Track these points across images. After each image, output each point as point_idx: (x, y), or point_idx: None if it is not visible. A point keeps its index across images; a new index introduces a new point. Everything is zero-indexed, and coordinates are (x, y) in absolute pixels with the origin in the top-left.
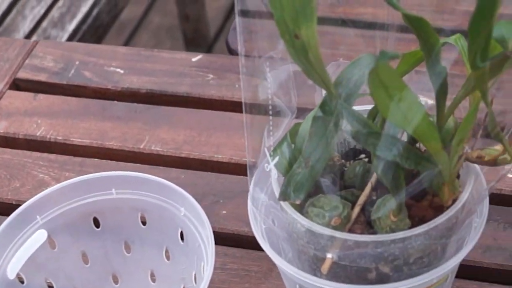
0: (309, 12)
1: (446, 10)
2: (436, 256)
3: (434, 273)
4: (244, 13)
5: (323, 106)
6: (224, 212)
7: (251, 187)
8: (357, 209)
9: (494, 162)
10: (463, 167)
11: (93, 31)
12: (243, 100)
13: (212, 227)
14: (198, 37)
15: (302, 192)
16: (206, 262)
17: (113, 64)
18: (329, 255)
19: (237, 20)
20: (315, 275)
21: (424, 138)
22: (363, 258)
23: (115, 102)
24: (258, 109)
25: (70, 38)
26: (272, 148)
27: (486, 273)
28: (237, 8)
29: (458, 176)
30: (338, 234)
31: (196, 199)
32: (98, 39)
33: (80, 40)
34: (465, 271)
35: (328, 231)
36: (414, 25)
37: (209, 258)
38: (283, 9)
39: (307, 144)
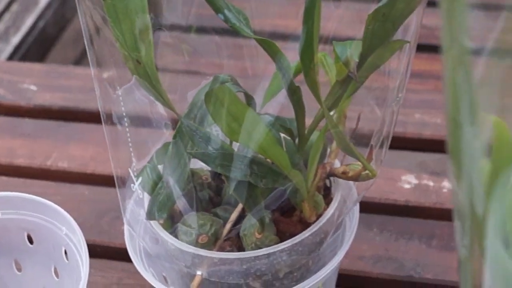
0: (146, 38)
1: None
2: (308, 270)
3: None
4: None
5: (179, 128)
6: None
7: (129, 206)
8: (228, 226)
9: (357, 178)
10: (334, 182)
11: (39, 43)
12: (102, 115)
13: (112, 243)
14: None
15: (164, 211)
16: (82, 273)
17: (27, 81)
18: (198, 272)
19: (85, 36)
20: None
21: (272, 156)
22: (231, 275)
23: (26, 119)
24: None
25: (15, 51)
26: (136, 169)
27: (375, 284)
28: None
29: (328, 190)
30: (202, 252)
31: (99, 215)
32: (46, 51)
33: (26, 53)
34: (354, 281)
35: (192, 249)
36: (265, 47)
37: (84, 272)
38: (124, 35)
39: (167, 165)
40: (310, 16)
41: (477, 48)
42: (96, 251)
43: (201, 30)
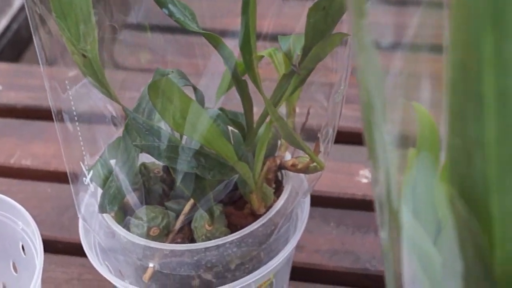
0: (91, 32)
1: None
2: (260, 261)
3: (245, 280)
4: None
5: (128, 122)
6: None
7: (84, 200)
8: (181, 219)
9: (306, 170)
10: (286, 175)
11: (13, 45)
12: (53, 112)
13: (72, 239)
14: None
15: (115, 204)
16: (37, 261)
17: None
18: (151, 265)
19: (33, 33)
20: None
21: (216, 148)
22: (183, 267)
23: None
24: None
25: None
26: (88, 164)
27: (331, 277)
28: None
29: (280, 183)
30: (152, 244)
31: (60, 212)
32: (20, 53)
33: (0, 55)
34: (311, 275)
35: (143, 242)
36: (209, 40)
37: (38, 262)
38: (69, 30)
39: (118, 159)
40: (246, 7)
41: (393, 43)
42: (57, 247)
43: (161, 28)
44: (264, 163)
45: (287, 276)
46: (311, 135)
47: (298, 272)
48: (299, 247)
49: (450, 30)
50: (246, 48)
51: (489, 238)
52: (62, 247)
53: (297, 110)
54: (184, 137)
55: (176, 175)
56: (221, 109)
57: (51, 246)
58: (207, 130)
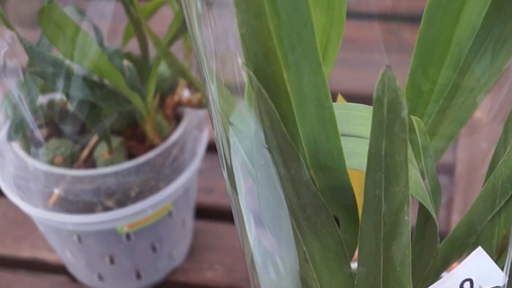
0: None
1: None
2: (159, 191)
3: (142, 205)
4: None
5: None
6: None
7: (0, 134)
8: (87, 150)
9: (200, 105)
10: (185, 112)
11: None
12: None
13: None
14: None
15: (20, 131)
16: None
17: None
18: (56, 191)
19: None
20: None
21: (107, 75)
22: (85, 193)
23: None
24: None
25: None
26: None
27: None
28: None
29: (179, 117)
30: (55, 170)
31: None
32: None
33: None
34: (219, 215)
35: (46, 167)
36: None
37: None
38: None
39: (23, 92)
40: None
41: None
42: None
43: None
44: (163, 100)
45: (189, 210)
46: None
47: (206, 213)
48: (209, 191)
49: None
50: None
51: (290, 113)
52: None
53: None
54: (80, 67)
55: (70, 102)
56: (128, 53)
57: None
58: (96, 57)
